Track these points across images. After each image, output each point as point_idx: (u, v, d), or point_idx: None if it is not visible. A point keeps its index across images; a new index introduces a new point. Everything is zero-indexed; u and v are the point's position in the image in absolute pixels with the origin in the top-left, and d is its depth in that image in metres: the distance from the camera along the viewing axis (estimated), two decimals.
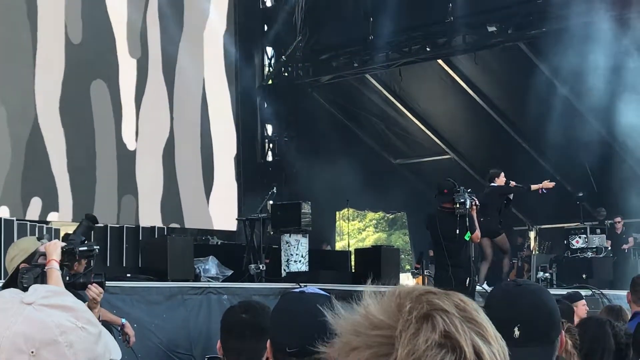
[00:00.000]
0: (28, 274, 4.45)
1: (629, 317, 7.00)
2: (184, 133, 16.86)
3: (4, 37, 14.18)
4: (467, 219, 11.53)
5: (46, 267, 4.44)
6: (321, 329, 2.71)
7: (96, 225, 8.43)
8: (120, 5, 15.90)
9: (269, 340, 2.81)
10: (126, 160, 16.07)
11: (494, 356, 1.37)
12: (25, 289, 1.45)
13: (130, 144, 16.18)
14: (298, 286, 3.67)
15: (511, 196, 14.81)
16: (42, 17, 14.52)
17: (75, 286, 4.86)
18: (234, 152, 18.35)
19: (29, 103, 14.36)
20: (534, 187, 14.84)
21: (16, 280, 4.45)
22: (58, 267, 4.44)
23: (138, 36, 16.37)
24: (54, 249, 4.52)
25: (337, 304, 2.64)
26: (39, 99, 14.53)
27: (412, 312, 1.36)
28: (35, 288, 1.43)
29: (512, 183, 14.59)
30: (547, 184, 14.96)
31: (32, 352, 1.33)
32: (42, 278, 4.41)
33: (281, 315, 2.80)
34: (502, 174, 14.71)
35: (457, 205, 11.55)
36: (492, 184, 14.55)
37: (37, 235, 11.25)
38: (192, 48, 17.58)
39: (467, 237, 11.66)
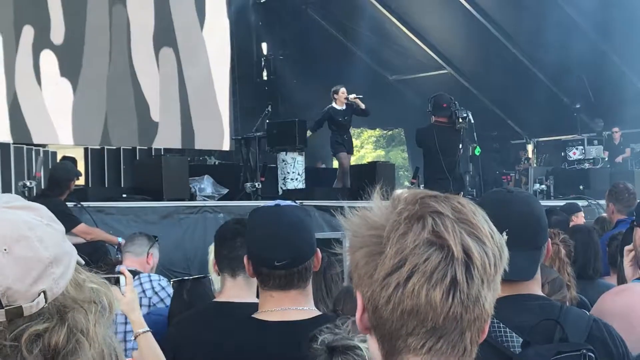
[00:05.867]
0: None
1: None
2: (180, 52, 16.66)
3: None
4: (464, 133, 11.54)
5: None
6: (307, 239, 2.71)
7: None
8: None
9: (246, 257, 2.78)
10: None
11: (486, 255, 1.40)
12: None
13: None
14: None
15: None
16: None
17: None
18: (229, 71, 18.16)
19: None
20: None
21: None
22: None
23: None
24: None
25: (314, 211, 2.65)
26: None
27: (403, 213, 1.41)
28: None
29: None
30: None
31: (5, 250, 1.35)
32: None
33: (263, 230, 2.77)
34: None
35: (460, 120, 11.51)
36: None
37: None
38: None
39: (477, 152, 11.66)
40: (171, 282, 5.47)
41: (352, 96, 14.40)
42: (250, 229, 2.84)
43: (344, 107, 14.47)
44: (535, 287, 2.50)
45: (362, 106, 14.39)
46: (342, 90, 14.47)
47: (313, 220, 2.77)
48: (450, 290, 1.37)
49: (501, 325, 2.35)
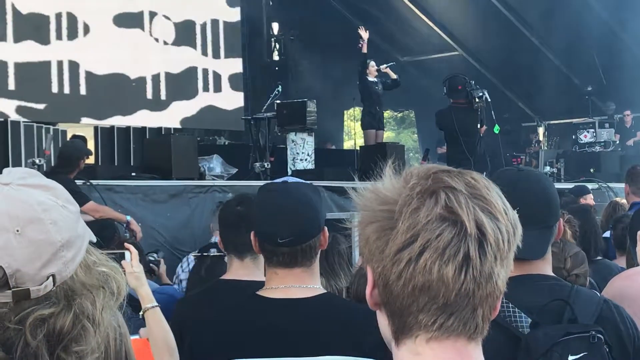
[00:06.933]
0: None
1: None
2: (188, 33, 16.64)
3: None
4: (482, 112, 11.53)
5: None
6: (312, 217, 2.69)
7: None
8: None
9: (252, 232, 2.76)
10: None
11: (500, 231, 1.38)
12: None
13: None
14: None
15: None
16: None
17: None
18: (240, 51, 18.12)
19: None
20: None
21: None
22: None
23: None
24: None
25: (323, 191, 2.63)
26: None
27: (415, 188, 1.39)
28: (9, 170, 1.41)
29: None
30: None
31: (17, 230, 1.32)
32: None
33: (269, 207, 2.75)
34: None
35: (477, 100, 11.50)
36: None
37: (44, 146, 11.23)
38: None
39: (496, 130, 11.63)
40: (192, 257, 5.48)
41: (383, 66, 14.50)
42: (256, 205, 2.83)
43: (376, 80, 14.54)
44: (545, 267, 2.47)
45: (394, 75, 14.51)
46: (372, 63, 14.61)
47: (322, 199, 2.73)
48: (462, 266, 1.35)
49: (510, 305, 2.33)
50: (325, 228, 2.76)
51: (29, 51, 13.64)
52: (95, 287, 1.40)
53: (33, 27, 13.69)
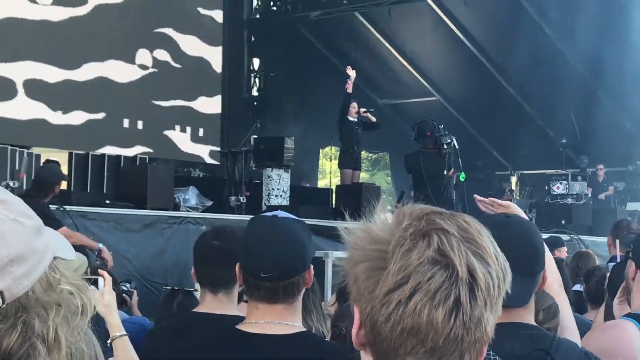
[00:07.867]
0: None
1: (598, 261, 7.02)
2: (169, 64, 16.66)
3: None
4: (450, 158, 11.58)
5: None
6: (298, 253, 2.67)
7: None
8: None
9: (238, 265, 2.73)
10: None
11: (490, 277, 1.37)
12: None
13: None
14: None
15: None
16: None
17: None
18: (219, 85, 18.13)
19: None
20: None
21: None
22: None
23: None
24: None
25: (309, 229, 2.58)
26: None
27: (409, 229, 1.37)
28: None
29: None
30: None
31: None
32: None
33: (255, 240, 2.71)
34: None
35: (445, 146, 11.56)
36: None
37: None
38: None
39: (462, 178, 11.66)
40: (163, 291, 5.40)
41: (362, 110, 14.57)
42: (244, 237, 2.79)
43: (356, 120, 14.61)
44: (528, 316, 2.47)
45: (373, 119, 14.56)
46: (353, 104, 14.60)
47: (310, 236, 2.70)
48: (453, 310, 1.34)
49: (491, 352, 2.32)
50: (312, 266, 2.73)
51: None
52: (49, 305, 1.33)
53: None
